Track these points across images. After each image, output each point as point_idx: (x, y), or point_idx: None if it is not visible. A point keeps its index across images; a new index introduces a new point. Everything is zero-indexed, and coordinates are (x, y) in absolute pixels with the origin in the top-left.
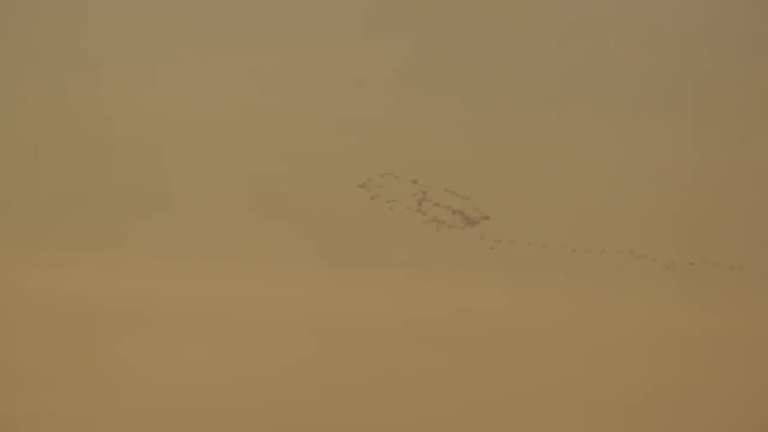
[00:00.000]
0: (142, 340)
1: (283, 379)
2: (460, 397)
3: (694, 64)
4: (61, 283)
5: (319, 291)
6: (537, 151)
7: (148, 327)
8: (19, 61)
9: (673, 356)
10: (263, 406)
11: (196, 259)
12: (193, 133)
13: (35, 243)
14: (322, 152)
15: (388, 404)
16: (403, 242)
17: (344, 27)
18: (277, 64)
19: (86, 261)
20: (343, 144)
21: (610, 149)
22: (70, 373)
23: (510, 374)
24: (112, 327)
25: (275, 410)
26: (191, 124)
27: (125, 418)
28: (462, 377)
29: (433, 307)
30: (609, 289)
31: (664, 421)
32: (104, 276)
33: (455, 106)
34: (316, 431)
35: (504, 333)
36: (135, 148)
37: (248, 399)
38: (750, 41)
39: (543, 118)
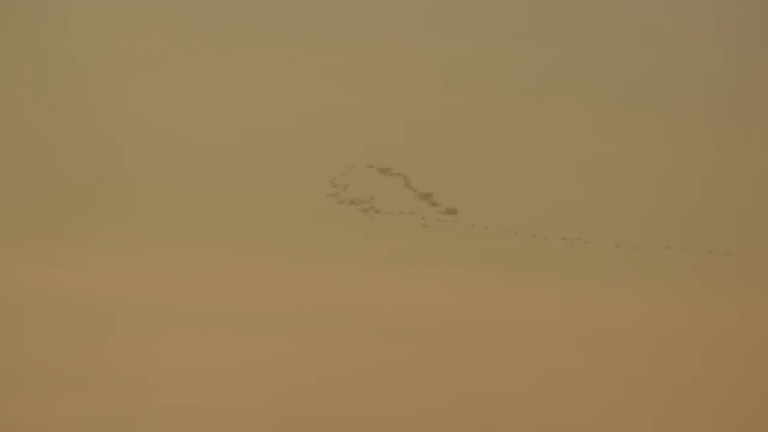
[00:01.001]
0: (136, 338)
1: (278, 379)
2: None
3: (711, 63)
4: (48, 280)
5: (314, 288)
6: (556, 148)
7: (139, 325)
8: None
9: (694, 354)
10: (259, 405)
11: (188, 256)
12: (178, 129)
13: (14, 239)
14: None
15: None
16: (461, 242)
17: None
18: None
19: (76, 258)
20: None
21: (627, 148)
22: (52, 372)
23: (562, 373)
24: (100, 325)
25: (271, 408)
26: (174, 122)
27: (111, 419)
28: (523, 376)
29: (504, 307)
30: (643, 285)
31: (698, 418)
32: (96, 274)
33: (502, 107)
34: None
35: (545, 333)
36: (114, 146)
37: (243, 398)
38: (767, 40)
39: (563, 117)
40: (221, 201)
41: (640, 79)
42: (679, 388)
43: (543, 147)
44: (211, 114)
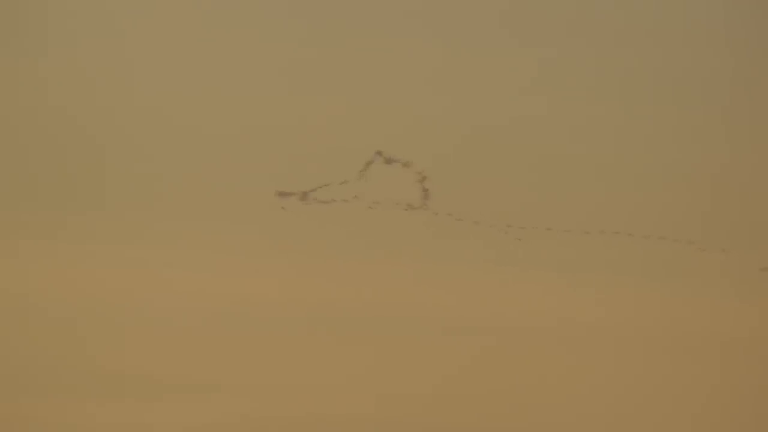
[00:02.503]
0: (135, 337)
1: (272, 378)
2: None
3: (726, 62)
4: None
5: (311, 283)
6: (572, 145)
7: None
8: None
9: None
10: (261, 407)
11: (190, 254)
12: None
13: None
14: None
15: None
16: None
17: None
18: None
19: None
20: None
21: (643, 148)
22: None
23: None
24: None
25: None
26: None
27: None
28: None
29: (584, 309)
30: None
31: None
32: (89, 270)
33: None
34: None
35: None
36: (88, 140)
37: (257, 402)
38: None
39: (575, 117)
40: (226, 201)
41: (655, 77)
42: (717, 388)
43: (552, 147)
44: (206, 114)
